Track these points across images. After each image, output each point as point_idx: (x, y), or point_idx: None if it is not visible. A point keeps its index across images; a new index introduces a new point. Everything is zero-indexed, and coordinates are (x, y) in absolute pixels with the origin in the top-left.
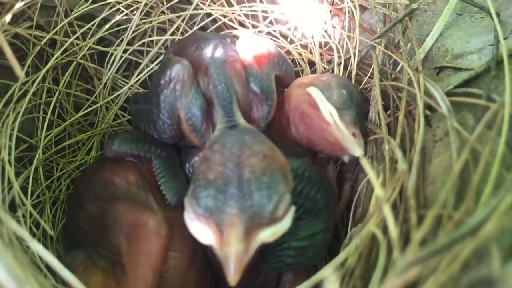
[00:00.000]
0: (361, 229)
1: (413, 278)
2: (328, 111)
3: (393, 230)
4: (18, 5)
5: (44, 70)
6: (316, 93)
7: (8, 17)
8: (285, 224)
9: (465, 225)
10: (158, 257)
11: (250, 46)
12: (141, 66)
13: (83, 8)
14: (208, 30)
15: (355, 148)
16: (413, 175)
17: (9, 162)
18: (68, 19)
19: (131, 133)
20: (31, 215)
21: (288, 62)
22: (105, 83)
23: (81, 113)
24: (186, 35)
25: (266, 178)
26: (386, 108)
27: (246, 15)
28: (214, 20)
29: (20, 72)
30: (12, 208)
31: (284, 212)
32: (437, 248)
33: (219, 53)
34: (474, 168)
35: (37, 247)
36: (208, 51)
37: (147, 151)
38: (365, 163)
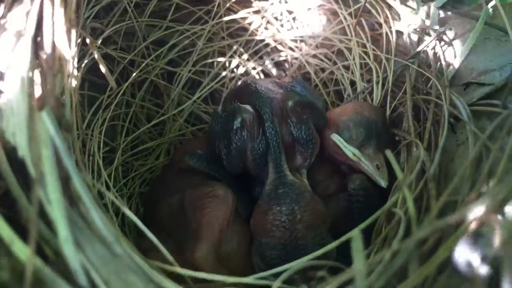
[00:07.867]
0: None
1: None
2: (352, 152)
3: (411, 207)
4: (107, 31)
5: (125, 85)
6: (337, 140)
7: (99, 40)
8: None
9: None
10: (224, 221)
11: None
12: (203, 85)
13: (157, 34)
14: (261, 53)
15: (381, 181)
16: (436, 159)
17: (99, 156)
18: (145, 43)
19: (205, 153)
20: (112, 204)
21: (320, 112)
22: (173, 99)
23: (152, 123)
24: (240, 83)
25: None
26: (418, 119)
27: (295, 40)
28: (267, 44)
29: (113, 83)
30: None
31: None
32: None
33: (268, 107)
34: (486, 160)
35: (127, 212)
36: (261, 104)
37: (217, 172)
38: (390, 156)
